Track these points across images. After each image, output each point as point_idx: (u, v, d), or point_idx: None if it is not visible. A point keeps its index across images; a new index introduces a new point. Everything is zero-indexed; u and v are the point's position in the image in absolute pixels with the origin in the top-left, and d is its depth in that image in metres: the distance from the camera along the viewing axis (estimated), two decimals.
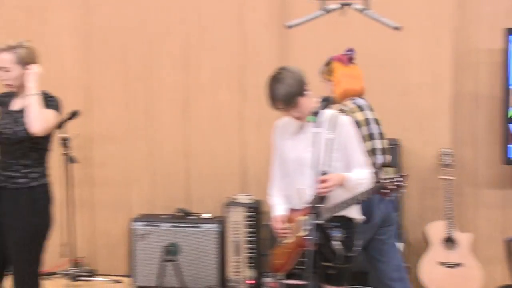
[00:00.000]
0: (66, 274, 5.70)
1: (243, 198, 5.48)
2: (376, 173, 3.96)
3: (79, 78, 5.86)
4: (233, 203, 5.44)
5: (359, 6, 3.71)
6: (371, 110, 4.20)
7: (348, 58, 4.23)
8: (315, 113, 3.33)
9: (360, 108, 4.11)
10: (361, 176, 3.43)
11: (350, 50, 4.27)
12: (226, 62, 5.70)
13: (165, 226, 5.45)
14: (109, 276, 5.78)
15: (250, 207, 5.39)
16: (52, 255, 5.75)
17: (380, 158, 4.10)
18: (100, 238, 5.95)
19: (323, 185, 3.23)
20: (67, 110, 5.51)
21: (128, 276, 5.68)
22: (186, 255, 5.33)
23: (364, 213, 3.81)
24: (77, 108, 5.59)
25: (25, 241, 3.87)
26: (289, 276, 3.66)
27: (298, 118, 3.51)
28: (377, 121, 4.17)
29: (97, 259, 5.95)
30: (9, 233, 3.86)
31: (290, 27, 3.85)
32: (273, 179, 3.78)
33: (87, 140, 5.85)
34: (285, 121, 3.69)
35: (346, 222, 3.51)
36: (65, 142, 5.50)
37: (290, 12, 5.36)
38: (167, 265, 5.22)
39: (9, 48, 3.80)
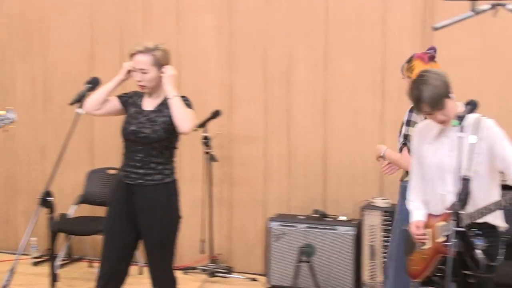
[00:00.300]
0: (204, 270, 5.87)
1: (380, 202, 5.40)
2: None
3: (221, 78, 6.01)
4: (370, 207, 5.40)
5: None
6: None
7: (429, 57, 4.32)
8: (461, 117, 3.23)
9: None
10: None
11: (432, 48, 4.37)
12: (366, 64, 5.65)
13: (301, 227, 5.47)
14: (245, 274, 5.86)
15: (386, 211, 5.30)
16: (192, 250, 6.00)
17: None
18: (237, 236, 6.07)
19: None
20: (209, 109, 5.73)
21: (263, 274, 5.74)
22: (321, 257, 5.33)
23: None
24: (219, 107, 5.79)
25: (164, 236, 4.01)
26: (426, 283, 3.58)
27: (442, 122, 3.42)
28: None
29: (234, 256, 6.07)
30: (147, 229, 3.98)
31: (436, 29, 3.76)
32: (412, 183, 3.72)
33: (227, 139, 6.00)
34: (424, 125, 3.64)
35: (489, 230, 3.38)
36: (206, 141, 5.68)
37: (434, 13, 5.28)
38: (301, 266, 5.20)
39: (147, 50, 3.87)
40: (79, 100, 3.76)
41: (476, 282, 3.33)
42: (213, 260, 5.90)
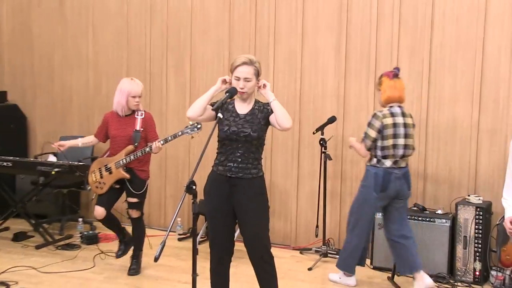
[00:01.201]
0: (318, 251, 5.93)
1: (474, 199, 5.30)
2: (396, 162, 4.93)
3: (336, 89, 6.04)
4: (464, 203, 5.29)
5: None
6: (404, 116, 4.98)
7: (393, 74, 5.00)
8: None
9: (392, 115, 4.92)
10: None
11: (396, 68, 5.09)
12: (465, 78, 5.55)
13: None
14: None
15: (479, 207, 5.18)
16: (308, 234, 6.07)
17: (401, 151, 4.93)
18: (345, 223, 5.97)
19: None
20: (326, 116, 5.79)
21: (367, 257, 5.60)
22: (420, 245, 5.20)
23: (382, 184, 4.90)
24: (334, 114, 5.82)
25: (262, 220, 4.04)
26: None
27: None
28: (406, 125, 4.96)
29: (343, 240, 5.85)
30: (247, 215, 4.00)
31: None
32: (506, 182, 3.61)
33: (340, 141, 6.02)
34: None
35: None
36: (323, 142, 5.74)
37: None
38: None
39: (251, 62, 3.91)
40: (221, 106, 3.84)
41: None
42: (325, 243, 5.88)
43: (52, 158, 6.55)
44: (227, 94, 3.86)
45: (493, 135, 5.49)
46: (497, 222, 4.92)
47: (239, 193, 3.97)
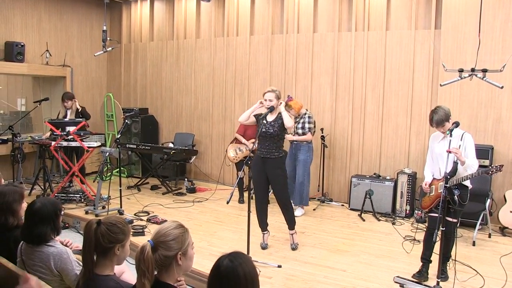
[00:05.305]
0: (318, 199, 5.78)
1: (407, 170, 5.33)
2: (314, 131, 5.14)
3: (330, 106, 5.89)
4: (401, 172, 5.31)
5: (480, 75, 3.44)
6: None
7: (291, 99, 5.14)
8: (451, 130, 3.22)
9: (310, 113, 5.14)
10: (471, 163, 3.24)
11: (290, 96, 5.28)
12: (404, 101, 5.50)
13: (367, 181, 5.43)
14: (339, 202, 5.83)
15: (410, 175, 5.23)
16: (313, 189, 5.88)
17: (313, 133, 5.13)
18: (336, 184, 5.95)
19: (457, 154, 3.14)
20: (325, 124, 5.74)
21: (347, 203, 5.70)
22: (376, 196, 5.30)
23: (314, 152, 5.19)
24: (329, 122, 5.79)
25: (283, 184, 3.95)
26: (430, 211, 3.51)
27: (442, 132, 3.41)
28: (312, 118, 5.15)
29: (334, 193, 5.92)
30: (274, 181, 3.92)
31: (442, 85, 3.70)
32: (427, 162, 3.67)
33: (332, 137, 5.92)
34: (436, 133, 3.58)
35: (463, 187, 3.36)
36: (322, 137, 5.65)
37: (439, 77, 5.09)
38: (366, 200, 5.26)
39: (273, 91, 3.86)
40: (265, 116, 3.82)
41: (453, 211, 3.31)
42: (323, 194, 5.81)
43: (170, 145, 6.64)
44: (268, 109, 3.89)
45: (418, 134, 5.49)
46: (420, 184, 4.92)
47: (269, 166, 3.90)
